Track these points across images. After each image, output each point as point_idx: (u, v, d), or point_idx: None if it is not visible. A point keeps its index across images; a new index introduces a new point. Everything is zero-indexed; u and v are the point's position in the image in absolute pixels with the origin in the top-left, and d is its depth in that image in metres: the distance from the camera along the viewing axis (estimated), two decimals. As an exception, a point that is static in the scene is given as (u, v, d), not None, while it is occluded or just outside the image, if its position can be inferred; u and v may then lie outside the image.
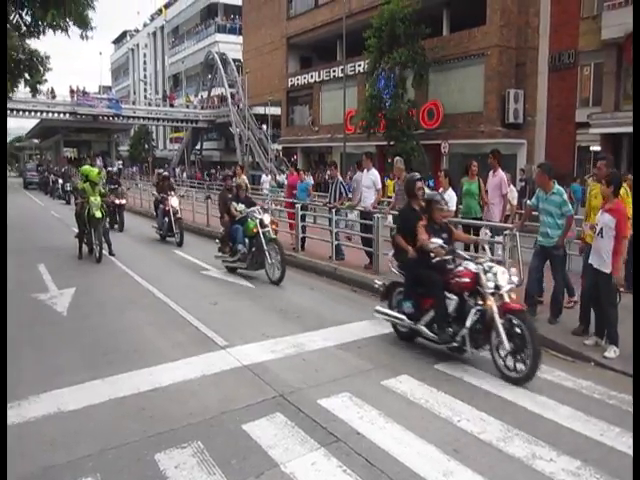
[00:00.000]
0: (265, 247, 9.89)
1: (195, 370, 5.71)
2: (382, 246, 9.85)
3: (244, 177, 16.35)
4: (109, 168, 18.81)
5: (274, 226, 10.48)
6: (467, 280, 5.80)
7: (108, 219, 15.28)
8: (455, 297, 5.88)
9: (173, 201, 14.64)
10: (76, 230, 13.17)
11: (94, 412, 4.83)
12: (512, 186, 11.60)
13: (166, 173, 17.91)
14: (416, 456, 4.05)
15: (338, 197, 11.68)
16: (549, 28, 22.77)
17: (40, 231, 18.05)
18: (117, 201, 16.90)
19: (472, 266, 5.86)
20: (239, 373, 5.70)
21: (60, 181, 32.73)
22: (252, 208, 10.52)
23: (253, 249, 10.14)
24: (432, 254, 6.04)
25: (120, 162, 60.22)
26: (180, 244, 14.34)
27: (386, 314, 6.74)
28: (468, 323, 5.65)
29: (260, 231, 9.92)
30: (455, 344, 5.84)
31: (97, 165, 31.38)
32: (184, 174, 46.27)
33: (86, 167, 13.61)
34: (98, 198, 12.12)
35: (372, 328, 7.18)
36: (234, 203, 10.65)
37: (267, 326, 7.27)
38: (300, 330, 7.07)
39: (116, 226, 17.12)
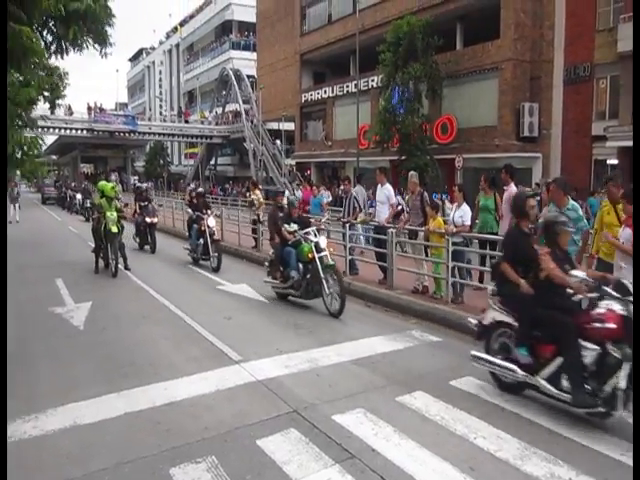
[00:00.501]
0: (322, 274, 8.61)
1: (210, 385, 5.72)
2: (396, 261, 9.84)
3: (258, 192, 16.46)
4: (138, 184, 17.97)
5: (332, 249, 9.35)
6: (612, 326, 4.61)
7: (138, 239, 15.59)
8: (595, 346, 4.66)
9: (210, 221, 13.32)
10: (92, 245, 13.29)
11: (110, 426, 4.86)
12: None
13: (201, 189, 16.69)
14: (431, 473, 4.02)
15: (352, 212, 11.70)
16: (564, 41, 22.76)
17: (58, 246, 18.23)
18: (148, 219, 15.81)
19: (617, 307, 4.67)
20: (253, 388, 5.70)
21: (78, 197, 33.15)
22: (307, 229, 9.23)
23: (308, 276, 8.89)
24: (571, 290, 5.00)
25: (136, 177, 60.91)
26: (217, 269, 12.65)
27: (488, 361, 5.53)
28: (622, 383, 4.44)
29: (316, 256, 8.67)
30: (600, 408, 4.63)
31: (111, 180, 31.76)
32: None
33: (102, 182, 13.76)
34: (114, 213, 12.25)
35: (386, 344, 7.15)
36: (286, 224, 9.42)
37: (281, 341, 7.28)
38: (314, 345, 7.06)
39: (147, 247, 16.20)
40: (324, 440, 4.52)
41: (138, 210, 16.05)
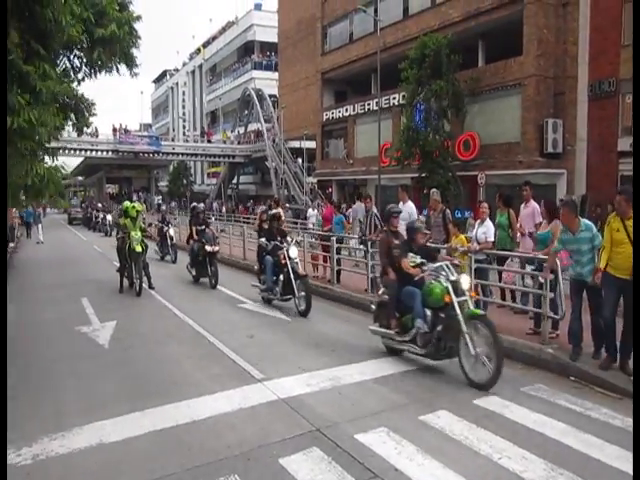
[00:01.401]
0: (464, 327, 6.45)
1: (232, 403, 5.75)
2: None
3: (280, 210, 16.55)
4: (194, 204, 16.75)
5: (474, 294, 7.51)
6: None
7: (194, 270, 13.96)
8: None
9: (291, 251, 10.56)
10: (117, 264, 13.48)
11: (134, 444, 4.90)
12: (557, 221, 11.39)
13: (278, 211, 12.64)
14: (455, 493, 3.98)
15: (373, 229, 11.70)
16: (588, 57, 22.56)
17: (83, 265, 18.53)
18: (208, 248, 13.16)
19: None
20: (275, 406, 5.70)
21: (102, 215, 34.01)
22: (439, 263, 7.24)
23: (439, 327, 6.90)
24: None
25: (159, 197, 61.75)
26: (304, 313, 10.00)
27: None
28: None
29: (454, 300, 6.59)
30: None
31: (134, 200, 32.28)
32: (223, 208, 46.59)
33: (127, 203, 13.98)
34: (139, 233, 12.44)
35: (409, 362, 7.11)
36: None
37: (303, 359, 7.29)
38: (336, 363, 7.06)
39: (205, 280, 13.64)
40: (347, 459, 4.50)
41: (195, 236, 13.88)
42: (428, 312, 6.83)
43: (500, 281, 9.28)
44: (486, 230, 9.13)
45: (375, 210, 12.25)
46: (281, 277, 10.52)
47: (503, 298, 9.43)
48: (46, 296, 12.75)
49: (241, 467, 4.42)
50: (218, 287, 13.28)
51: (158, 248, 18.60)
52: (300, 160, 43.98)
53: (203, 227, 13.98)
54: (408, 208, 10.97)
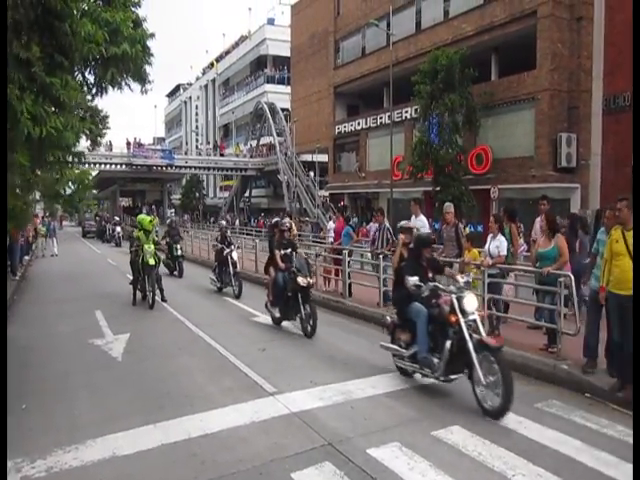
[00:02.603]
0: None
1: (244, 416, 5.75)
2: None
3: (289, 220, 16.57)
4: (276, 219, 14.18)
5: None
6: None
7: (277, 311, 10.27)
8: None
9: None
10: (130, 277, 13.56)
11: (147, 457, 4.91)
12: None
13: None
14: (469, 510, 3.95)
15: (385, 243, 11.70)
16: (603, 71, 22.52)
17: (97, 278, 18.65)
18: (301, 280, 9.54)
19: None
20: (288, 420, 5.70)
21: (118, 228, 34.55)
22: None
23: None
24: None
25: (172, 210, 62.14)
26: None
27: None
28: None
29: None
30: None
31: (144, 213, 32.57)
32: (237, 221, 46.56)
33: (141, 216, 14.09)
34: (152, 246, 12.51)
35: (421, 377, 7.07)
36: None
37: (315, 373, 7.28)
38: (348, 377, 7.04)
39: (297, 318, 9.84)
40: (359, 474, 4.49)
41: (280, 262, 10.16)
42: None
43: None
44: (499, 244, 9.08)
45: (387, 224, 12.24)
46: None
47: (506, 311, 9.32)
48: (60, 309, 12.84)
49: (253, 481, 4.41)
50: (230, 300, 13.30)
51: (215, 276, 14.71)
52: (312, 173, 44.12)
53: (289, 250, 10.34)
54: (420, 222, 10.96)
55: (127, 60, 10.32)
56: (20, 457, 4.86)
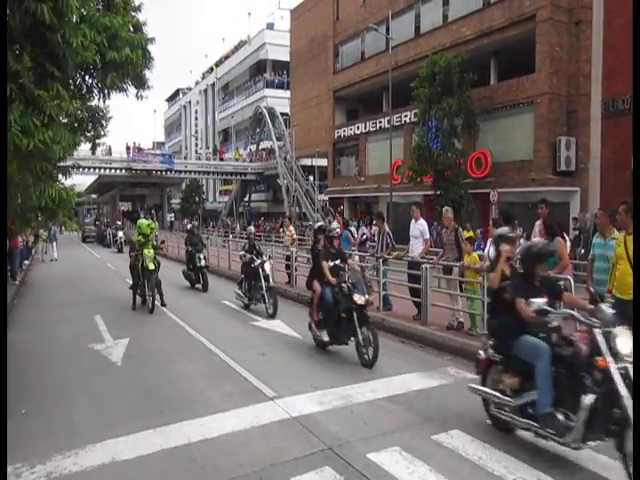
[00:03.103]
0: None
1: (244, 421, 5.74)
2: (430, 296, 9.78)
3: (292, 229, 16.60)
4: (319, 223, 13.38)
5: None
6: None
7: (325, 335, 8.47)
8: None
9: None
10: (130, 282, 13.55)
11: (147, 462, 4.90)
12: (565, 235, 11.35)
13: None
14: (469, 514, 3.94)
15: (385, 247, 11.70)
16: (602, 75, 22.60)
17: (96, 283, 18.64)
18: (358, 299, 7.91)
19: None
20: (287, 425, 5.69)
21: (120, 233, 34.54)
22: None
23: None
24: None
25: (172, 215, 62.17)
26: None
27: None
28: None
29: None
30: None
31: (141, 217, 32.51)
32: (237, 226, 46.34)
33: (141, 220, 14.09)
34: (151, 250, 12.52)
35: (421, 381, 7.08)
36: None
37: (315, 377, 7.27)
38: (348, 382, 7.03)
39: (349, 342, 8.24)
40: (359, 479, 4.48)
41: (329, 277, 8.41)
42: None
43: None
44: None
45: (387, 228, 12.24)
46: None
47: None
48: (60, 313, 12.83)
49: (253, 486, 4.41)
50: (227, 303, 13.27)
51: (242, 291, 12.74)
52: (312, 178, 44.16)
53: (338, 260, 8.75)
54: (420, 226, 10.97)
55: (127, 65, 10.33)
56: (20, 462, 4.85)
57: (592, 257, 7.08)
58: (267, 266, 12.23)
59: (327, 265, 8.57)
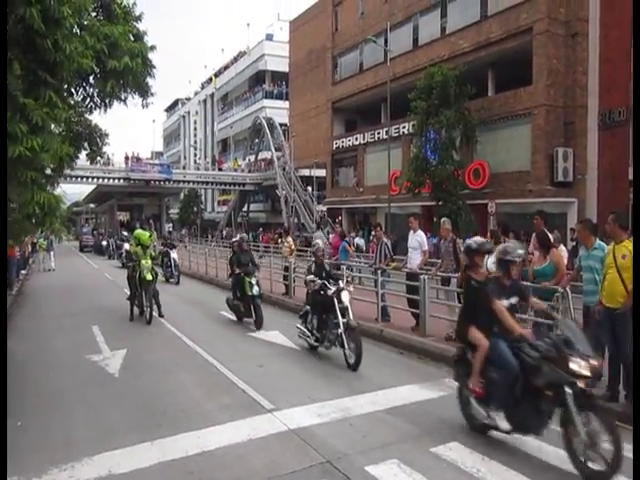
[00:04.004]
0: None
1: (242, 434, 5.70)
2: (429, 307, 9.76)
3: (290, 240, 16.59)
4: (476, 238, 9.92)
5: None
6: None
7: (504, 418, 6.04)
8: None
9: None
10: (128, 292, 13.51)
11: (144, 475, 4.87)
12: (562, 246, 11.39)
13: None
14: (468, 529, 3.91)
15: (383, 258, 11.70)
16: (598, 86, 22.70)
17: (94, 293, 18.59)
18: (578, 367, 4.75)
19: None
20: (285, 437, 5.66)
21: (125, 246, 34.39)
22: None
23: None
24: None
25: (170, 225, 62.09)
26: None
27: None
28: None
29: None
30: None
31: (136, 228, 32.23)
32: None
33: (138, 231, 14.07)
34: (149, 261, 12.49)
35: (420, 392, 7.06)
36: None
37: (313, 389, 7.24)
38: (346, 394, 7.00)
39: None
40: (357, 492, 4.46)
41: (513, 325, 5.39)
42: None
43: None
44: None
45: (385, 239, 12.25)
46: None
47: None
48: (57, 324, 12.79)
49: (251, 500, 4.37)
50: (227, 316, 13.20)
51: (309, 327, 9.50)
52: (310, 188, 44.23)
53: (516, 298, 5.74)
54: (418, 237, 10.98)
55: (127, 73, 10.35)
56: (15, 475, 4.81)
57: (578, 268, 7.18)
58: (345, 296, 8.84)
59: (501, 305, 5.49)
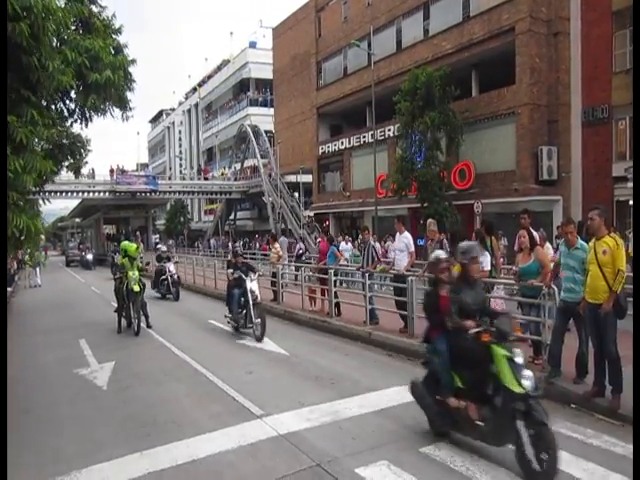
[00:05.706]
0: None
1: (232, 441, 5.69)
2: (416, 309, 9.79)
3: (277, 246, 16.56)
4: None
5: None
6: None
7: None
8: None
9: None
10: (115, 305, 13.44)
11: (133, 487, 4.84)
12: (548, 244, 11.48)
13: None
14: (458, 526, 3.92)
15: (371, 261, 11.72)
16: (580, 84, 22.91)
17: (81, 307, 18.47)
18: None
19: None
20: (275, 442, 5.65)
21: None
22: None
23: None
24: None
25: (157, 236, 61.76)
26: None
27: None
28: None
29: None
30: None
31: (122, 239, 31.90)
32: (229, 244, 45.43)
33: (125, 243, 14.01)
34: (136, 272, 12.43)
35: (409, 394, 7.03)
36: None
37: (302, 394, 7.24)
38: (336, 397, 7.01)
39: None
40: (347, 495, 4.46)
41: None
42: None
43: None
44: (482, 259, 9.13)
45: (372, 242, 12.27)
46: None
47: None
48: (45, 339, 12.68)
49: (241, 506, 4.36)
50: (213, 322, 13.17)
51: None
52: (297, 194, 44.20)
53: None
54: (405, 239, 11.00)
55: (109, 86, 10.32)
56: (3, 491, 4.77)
57: (557, 262, 7.26)
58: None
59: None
